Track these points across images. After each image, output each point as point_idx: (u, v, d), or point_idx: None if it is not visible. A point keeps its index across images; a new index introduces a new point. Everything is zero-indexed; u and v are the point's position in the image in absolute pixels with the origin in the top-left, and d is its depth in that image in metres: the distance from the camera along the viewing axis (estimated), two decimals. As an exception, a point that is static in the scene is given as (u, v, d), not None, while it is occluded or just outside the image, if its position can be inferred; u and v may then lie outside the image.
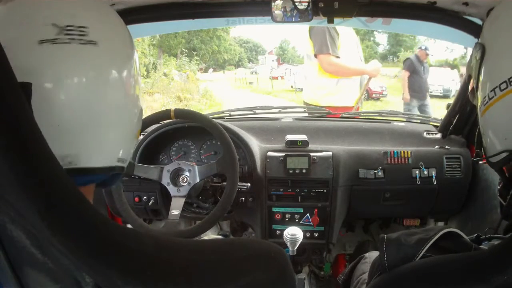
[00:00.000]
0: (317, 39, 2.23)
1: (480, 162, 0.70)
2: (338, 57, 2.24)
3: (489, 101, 0.57)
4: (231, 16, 1.23)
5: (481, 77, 0.61)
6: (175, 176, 1.17)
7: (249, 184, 1.27)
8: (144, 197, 1.31)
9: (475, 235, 0.60)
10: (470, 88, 0.72)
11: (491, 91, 0.57)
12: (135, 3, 1.04)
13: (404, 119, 1.65)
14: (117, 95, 0.50)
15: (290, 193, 1.32)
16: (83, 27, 0.46)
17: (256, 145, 1.37)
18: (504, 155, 0.57)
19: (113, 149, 0.52)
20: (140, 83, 0.56)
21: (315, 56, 2.27)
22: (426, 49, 4.66)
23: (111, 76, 0.49)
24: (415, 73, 4.55)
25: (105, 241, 0.37)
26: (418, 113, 4.05)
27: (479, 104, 0.62)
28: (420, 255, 0.52)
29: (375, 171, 1.33)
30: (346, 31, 2.32)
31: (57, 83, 0.45)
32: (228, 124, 1.33)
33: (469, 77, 0.71)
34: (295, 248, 1.15)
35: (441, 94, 12.46)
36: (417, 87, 4.49)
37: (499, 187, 0.67)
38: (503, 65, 0.56)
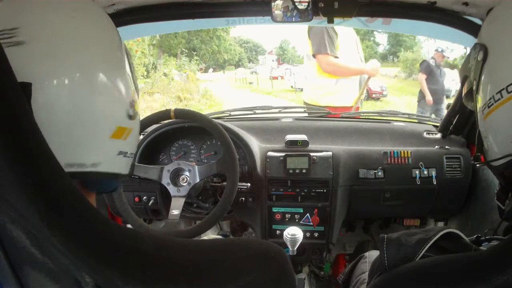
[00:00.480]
0: (316, 39, 2.24)
1: (478, 165, 0.69)
2: (336, 57, 2.24)
3: (494, 103, 0.55)
4: (231, 16, 1.23)
5: (483, 79, 0.59)
6: (175, 176, 1.17)
7: (249, 184, 1.27)
8: (144, 197, 1.31)
9: (475, 236, 0.60)
10: (464, 91, 0.70)
11: (496, 93, 0.55)
12: (135, 3, 1.04)
13: (404, 119, 1.65)
14: (57, 97, 0.45)
15: (290, 193, 1.32)
16: (14, 29, 0.44)
17: (256, 145, 1.37)
18: (508, 159, 0.55)
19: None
20: (96, 84, 0.49)
21: (314, 56, 2.28)
22: (442, 51, 4.54)
23: (44, 76, 0.44)
24: (431, 75, 4.45)
25: (105, 241, 0.37)
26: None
27: (479, 106, 0.61)
28: (420, 255, 0.52)
29: (375, 171, 1.33)
30: (346, 31, 2.32)
31: None
32: (228, 124, 1.33)
33: (464, 78, 0.69)
34: (295, 248, 1.15)
35: (441, 94, 12.45)
36: (432, 90, 4.39)
37: (497, 190, 0.66)
38: (509, 67, 0.55)
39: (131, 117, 0.54)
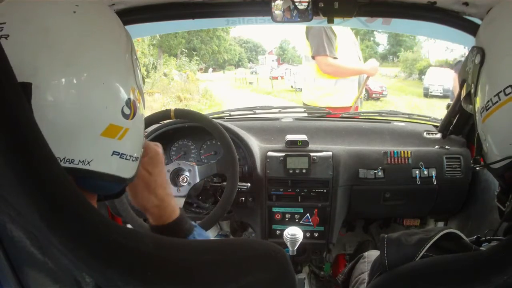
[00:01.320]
0: (314, 40, 2.24)
1: (478, 168, 0.69)
2: (335, 57, 2.24)
3: (492, 106, 0.55)
4: (231, 16, 1.23)
5: (481, 82, 0.60)
6: (175, 176, 1.17)
7: (249, 184, 1.27)
8: None
9: (475, 237, 0.60)
10: (463, 94, 0.69)
11: (494, 96, 0.55)
12: (135, 3, 1.04)
13: (404, 119, 1.65)
14: (48, 90, 0.45)
15: (290, 193, 1.32)
16: (2, 23, 0.45)
17: (256, 145, 1.37)
18: (508, 161, 0.55)
19: None
20: (89, 78, 0.48)
21: (313, 57, 2.28)
22: None
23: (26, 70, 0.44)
24: None
25: (105, 241, 0.37)
26: None
27: (478, 108, 0.61)
28: (420, 255, 0.52)
29: (375, 171, 1.33)
30: (344, 31, 2.32)
31: None
32: (228, 124, 1.33)
33: (462, 81, 0.69)
34: (295, 248, 1.15)
35: (441, 94, 12.48)
36: None
37: (497, 191, 0.66)
38: (506, 69, 0.55)
39: (127, 116, 0.52)
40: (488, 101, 0.56)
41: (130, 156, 0.55)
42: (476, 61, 0.60)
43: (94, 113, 0.48)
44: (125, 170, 0.55)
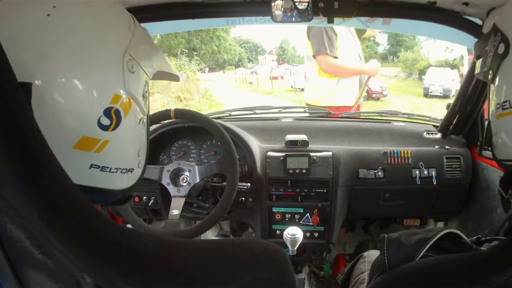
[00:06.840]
0: (315, 40, 2.24)
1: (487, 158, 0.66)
2: (336, 57, 2.24)
3: (510, 108, 0.53)
4: (231, 16, 1.23)
5: (501, 74, 0.55)
6: (175, 176, 1.17)
7: (249, 184, 1.27)
8: (144, 197, 1.31)
9: (475, 237, 0.60)
10: (478, 68, 0.64)
11: None
12: (136, 3, 1.04)
13: (404, 119, 1.65)
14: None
15: (290, 193, 1.32)
16: None
17: (256, 145, 1.37)
18: None
19: None
20: (60, 85, 0.44)
21: (314, 57, 2.28)
22: None
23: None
24: None
25: (105, 241, 0.37)
26: None
27: (494, 99, 0.57)
28: (420, 255, 0.52)
29: (375, 171, 1.33)
30: (345, 31, 2.32)
31: None
32: (228, 124, 1.33)
33: (478, 56, 0.64)
34: (295, 248, 1.15)
35: (441, 94, 12.50)
36: None
37: (500, 176, 0.64)
38: None
39: (105, 127, 0.47)
40: (505, 102, 0.54)
41: (116, 168, 0.50)
42: (499, 51, 0.55)
43: (63, 126, 0.45)
44: (113, 182, 0.51)
